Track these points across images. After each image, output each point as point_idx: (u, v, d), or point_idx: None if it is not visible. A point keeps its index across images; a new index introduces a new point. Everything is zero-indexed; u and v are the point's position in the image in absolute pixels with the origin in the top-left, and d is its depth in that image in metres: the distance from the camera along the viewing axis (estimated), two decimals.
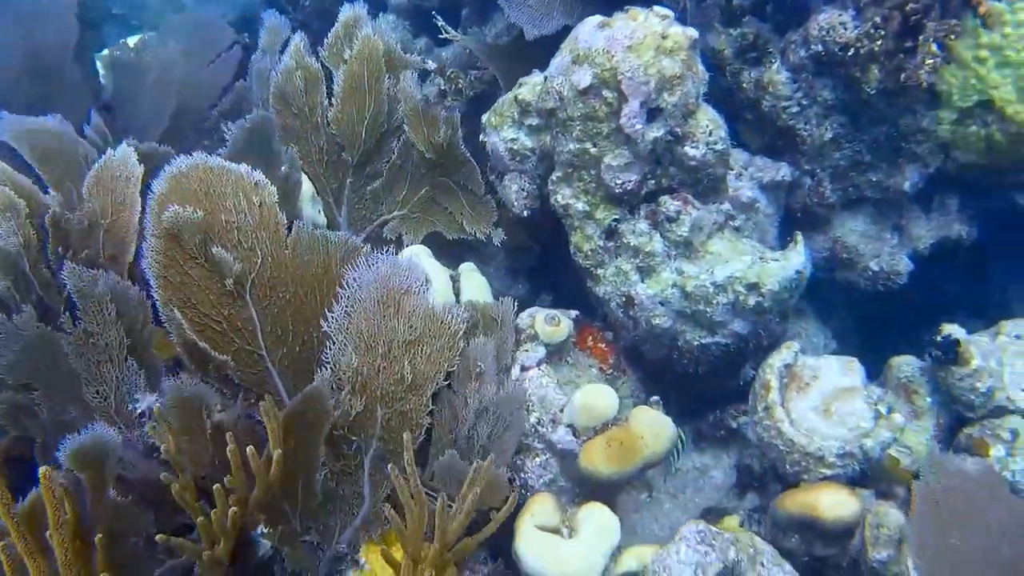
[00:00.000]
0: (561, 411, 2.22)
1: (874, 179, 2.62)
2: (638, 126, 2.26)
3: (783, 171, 2.60)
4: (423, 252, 2.50)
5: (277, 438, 1.79)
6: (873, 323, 2.83)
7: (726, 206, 2.44)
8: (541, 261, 2.74)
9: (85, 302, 1.94)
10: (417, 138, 2.49)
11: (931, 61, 2.32)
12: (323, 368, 2.02)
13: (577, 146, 2.35)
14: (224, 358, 2.00)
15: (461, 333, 2.09)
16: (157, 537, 1.64)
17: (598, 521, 2.14)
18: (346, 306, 2.05)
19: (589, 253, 2.40)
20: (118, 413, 1.93)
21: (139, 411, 1.91)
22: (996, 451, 2.22)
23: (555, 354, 2.35)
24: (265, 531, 1.89)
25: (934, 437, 2.31)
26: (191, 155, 2.04)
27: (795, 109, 2.58)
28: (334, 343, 2.05)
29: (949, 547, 1.82)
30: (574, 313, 2.42)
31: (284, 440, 1.86)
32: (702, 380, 2.46)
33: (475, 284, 2.47)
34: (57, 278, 2.04)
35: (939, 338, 2.19)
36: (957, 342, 2.15)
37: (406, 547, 1.75)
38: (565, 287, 2.68)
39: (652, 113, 2.29)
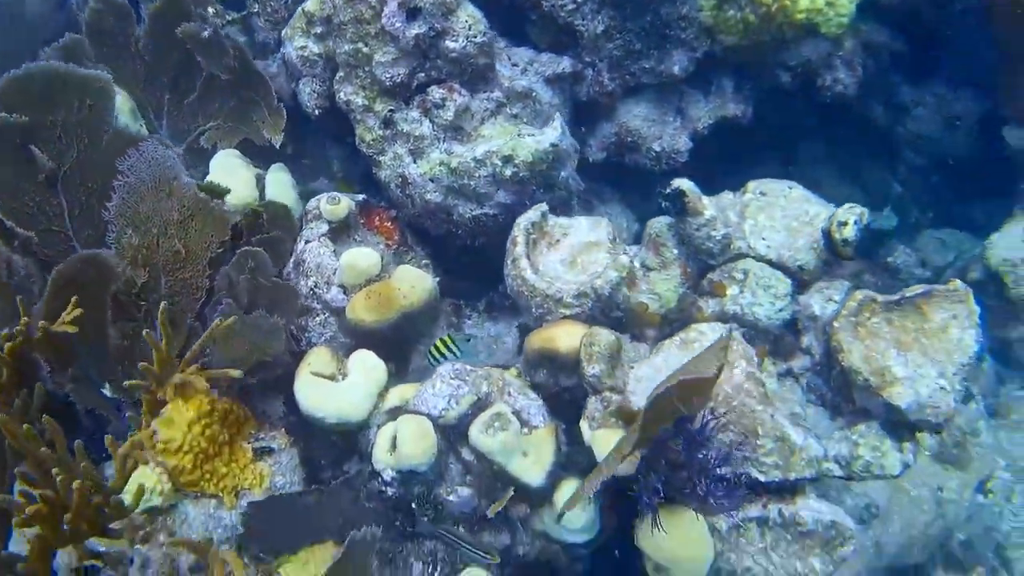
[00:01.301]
0: (334, 274, 2.55)
1: (647, 66, 2.92)
2: (398, 24, 2.59)
3: (563, 64, 2.91)
4: (232, 154, 2.85)
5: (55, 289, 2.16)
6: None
7: (496, 94, 2.76)
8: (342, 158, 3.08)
9: None
10: (212, 65, 2.84)
11: None
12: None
13: (351, 47, 2.69)
14: (29, 234, 2.37)
15: (228, 214, 2.44)
16: None
17: (365, 364, 2.48)
18: (123, 192, 2.40)
19: (371, 142, 2.74)
20: None
21: None
22: (732, 290, 2.51)
23: (341, 232, 2.69)
24: (50, 371, 2.23)
25: (681, 284, 2.59)
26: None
27: (571, 6, 2.87)
28: (116, 225, 2.40)
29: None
30: (361, 196, 2.77)
31: (65, 294, 2.21)
32: (484, 253, 2.76)
33: (279, 182, 2.82)
34: None
35: (668, 190, 2.47)
36: (682, 192, 2.44)
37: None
38: (359, 176, 3.00)
39: (413, 12, 2.61)
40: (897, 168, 3.49)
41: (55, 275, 2.24)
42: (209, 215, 2.44)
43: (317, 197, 2.73)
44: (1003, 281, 2.90)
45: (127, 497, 2.10)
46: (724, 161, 3.00)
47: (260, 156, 2.94)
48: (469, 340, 2.49)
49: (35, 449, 1.92)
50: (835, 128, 3.35)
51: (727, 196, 2.62)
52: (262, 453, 2.52)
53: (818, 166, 3.39)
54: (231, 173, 2.74)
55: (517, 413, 2.37)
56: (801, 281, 2.52)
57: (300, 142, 3.05)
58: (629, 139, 2.99)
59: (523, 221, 2.54)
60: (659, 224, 2.64)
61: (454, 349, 2.40)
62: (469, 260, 2.84)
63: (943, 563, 3.07)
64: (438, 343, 2.39)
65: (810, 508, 2.29)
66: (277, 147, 2.87)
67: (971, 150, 3.29)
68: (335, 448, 2.60)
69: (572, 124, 2.98)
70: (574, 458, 2.42)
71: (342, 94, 2.76)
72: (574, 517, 2.35)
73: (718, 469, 2.15)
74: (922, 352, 2.27)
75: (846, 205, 2.43)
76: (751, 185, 2.65)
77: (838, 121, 3.26)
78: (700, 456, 2.13)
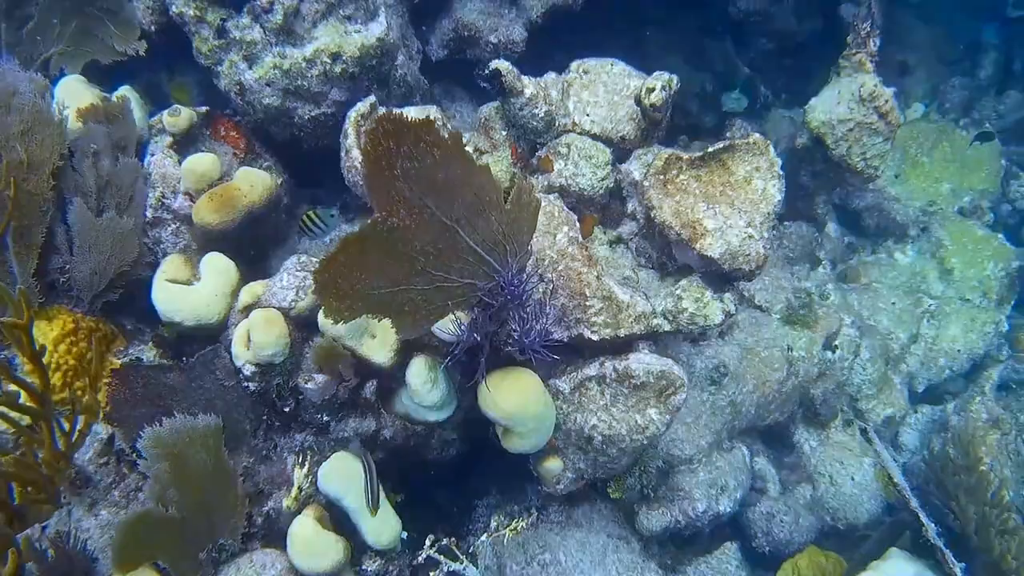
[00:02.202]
0: (179, 183, 2.64)
1: None
2: None
3: None
4: (75, 78, 2.91)
5: None
6: None
7: None
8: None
9: None
10: None
11: None
12: None
13: None
14: None
15: (65, 123, 2.51)
16: None
17: (215, 266, 2.61)
18: None
19: (208, 53, 2.83)
20: None
21: None
22: (558, 164, 2.66)
23: (186, 144, 2.78)
24: None
25: (513, 164, 2.73)
26: None
27: None
28: None
29: None
30: (204, 108, 2.85)
31: None
32: (332, 157, 2.87)
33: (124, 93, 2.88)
34: None
35: (486, 71, 2.59)
36: (498, 71, 2.57)
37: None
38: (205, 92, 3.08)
39: None
40: (746, 50, 3.66)
41: None
42: (49, 125, 2.52)
43: (162, 112, 2.80)
44: (825, 143, 3.08)
45: None
46: (564, 51, 3.13)
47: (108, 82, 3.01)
48: (333, 215, 2.63)
49: None
50: (681, 16, 3.50)
51: (550, 76, 2.77)
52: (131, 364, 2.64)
53: (668, 54, 3.54)
54: (75, 96, 2.80)
55: None
56: (624, 151, 2.68)
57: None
58: (467, 33, 3.11)
59: (353, 113, 2.66)
60: (488, 108, 2.78)
61: (319, 222, 2.54)
62: (319, 165, 2.94)
63: (803, 420, 3.32)
64: (305, 216, 2.53)
65: (640, 361, 2.49)
66: (137, 54, 2.93)
67: (805, 21, 3.46)
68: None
69: (413, 24, 3.09)
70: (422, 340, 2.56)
71: (174, 7, 2.83)
72: (427, 394, 2.50)
73: (546, 327, 2.31)
74: (729, 204, 2.46)
75: (656, 73, 2.58)
76: (574, 65, 2.80)
77: (682, 8, 3.41)
78: (523, 313, 2.29)
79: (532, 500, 2.96)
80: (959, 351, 3.56)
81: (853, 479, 3.27)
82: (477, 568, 2.78)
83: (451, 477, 2.93)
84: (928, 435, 3.46)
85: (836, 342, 3.26)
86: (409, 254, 2.09)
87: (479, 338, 2.23)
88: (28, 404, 2.15)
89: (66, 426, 2.31)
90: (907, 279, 3.64)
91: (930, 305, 3.61)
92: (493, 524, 2.66)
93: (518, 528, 2.62)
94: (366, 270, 2.07)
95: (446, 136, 1.97)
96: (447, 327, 2.27)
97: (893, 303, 3.56)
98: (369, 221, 2.03)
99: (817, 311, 3.23)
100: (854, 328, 3.30)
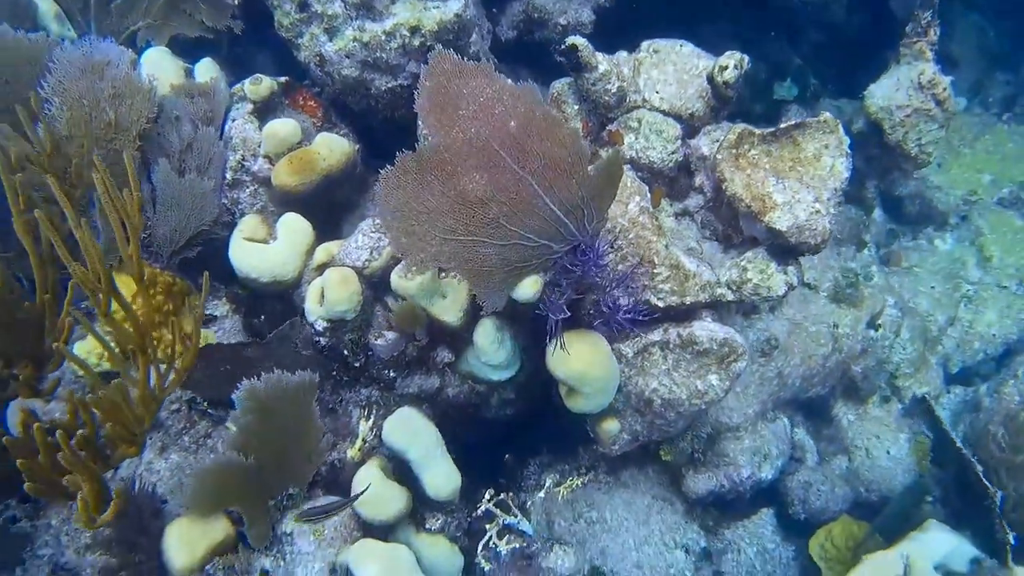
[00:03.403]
0: (259, 146, 2.55)
1: None
2: None
3: None
4: (160, 50, 2.82)
5: None
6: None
7: None
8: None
9: None
10: None
11: None
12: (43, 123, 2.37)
13: None
14: None
15: (153, 91, 2.44)
16: None
17: (292, 226, 2.52)
18: (57, 75, 2.39)
19: (289, 26, 2.73)
20: None
21: None
22: (628, 138, 2.55)
23: (266, 112, 2.68)
24: None
25: (584, 137, 2.62)
26: None
27: None
28: (52, 104, 2.38)
29: None
30: (284, 78, 2.76)
31: None
32: (406, 124, 2.77)
33: (208, 73, 2.79)
34: None
35: (562, 46, 2.48)
36: (575, 46, 2.45)
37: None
38: (282, 64, 2.99)
39: None
40: (798, 43, 3.53)
41: None
42: (137, 92, 2.45)
43: (243, 80, 2.71)
44: (882, 128, 2.96)
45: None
46: (629, 35, 3.01)
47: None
48: None
49: None
50: (738, 6, 3.37)
51: (622, 54, 2.65)
52: (206, 320, 2.57)
53: (723, 42, 3.40)
54: (159, 67, 2.71)
55: None
56: (693, 128, 2.57)
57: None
58: (536, 15, 3.00)
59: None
60: (560, 84, 2.67)
61: None
62: (393, 137, 2.84)
63: (843, 394, 3.21)
64: None
65: (704, 328, 2.38)
66: (227, 29, 2.85)
67: (857, 14, 3.33)
68: (274, 315, 2.64)
69: (485, 5, 2.98)
70: None
71: None
72: (493, 353, 2.42)
73: (617, 290, 2.21)
74: (798, 179, 2.34)
75: (728, 52, 2.46)
76: (644, 44, 2.68)
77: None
78: (599, 278, 2.19)
79: (583, 461, 2.87)
80: (994, 335, 3.42)
81: (888, 452, 3.15)
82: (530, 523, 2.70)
83: (506, 436, 2.84)
84: (959, 415, 3.33)
85: (879, 321, 3.13)
86: (477, 196, 1.99)
87: (560, 302, 2.13)
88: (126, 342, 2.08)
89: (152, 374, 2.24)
90: (946, 265, 3.51)
91: (968, 290, 3.47)
92: (548, 482, 2.57)
93: (573, 486, 2.53)
94: (431, 202, 1.98)
95: (517, 85, 1.90)
96: (526, 291, 2.17)
97: (932, 287, 3.43)
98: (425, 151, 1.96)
99: (863, 291, 3.10)
100: (896, 308, 3.17)
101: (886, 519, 2.99)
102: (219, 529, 2.12)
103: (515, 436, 2.87)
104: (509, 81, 1.98)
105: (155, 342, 2.44)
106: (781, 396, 3.00)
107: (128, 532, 2.08)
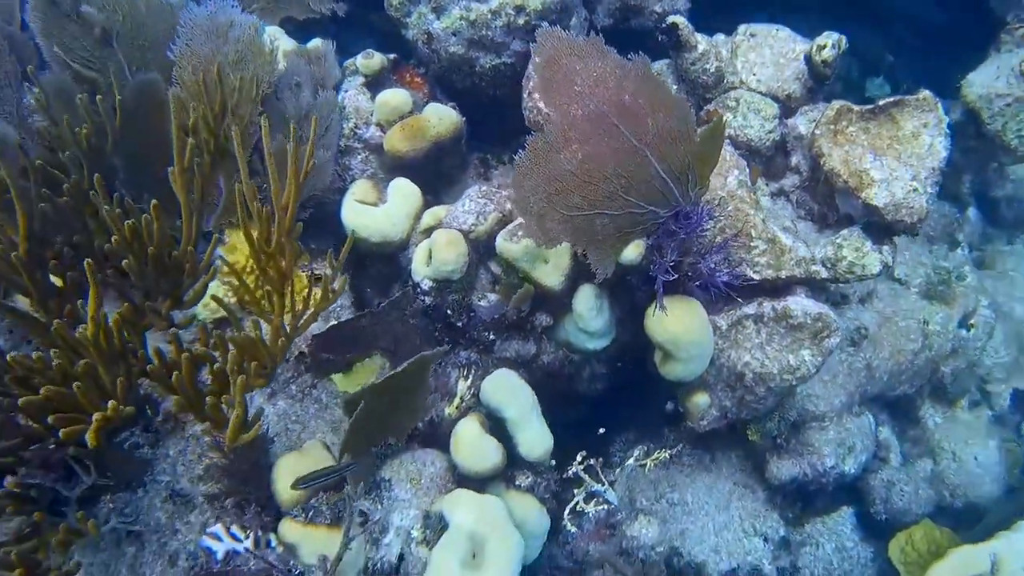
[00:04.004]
0: (371, 115, 2.81)
1: None
2: None
3: None
4: (277, 29, 3.12)
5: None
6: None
7: None
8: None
9: None
10: None
11: None
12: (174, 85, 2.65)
13: None
14: (93, 75, 2.65)
15: (276, 53, 2.70)
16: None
17: (402, 190, 2.76)
18: (185, 38, 2.67)
19: (398, 6, 3.00)
20: (18, 116, 2.59)
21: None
22: (726, 117, 2.74)
23: (374, 85, 2.94)
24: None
25: None
26: None
27: None
28: (179, 67, 2.67)
29: None
30: (392, 55, 3.02)
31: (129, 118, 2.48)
32: (505, 110, 3.00)
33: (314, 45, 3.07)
34: None
35: (664, 25, 2.70)
36: (675, 25, 2.67)
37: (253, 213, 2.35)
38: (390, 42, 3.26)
39: None
40: (890, 39, 3.69)
41: (124, 95, 2.52)
42: (260, 55, 2.71)
43: (355, 55, 2.99)
44: (980, 118, 3.08)
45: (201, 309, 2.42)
46: (722, 22, 3.21)
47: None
48: None
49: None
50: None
51: (719, 37, 2.86)
52: (315, 279, 2.80)
53: (813, 35, 3.59)
54: (281, 39, 3.00)
55: None
56: (789, 108, 2.75)
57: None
58: (632, 2, 3.20)
59: (538, 59, 2.77)
60: (658, 65, 2.88)
61: None
62: (494, 116, 3.08)
63: (930, 395, 3.30)
64: None
65: (799, 303, 2.53)
66: (331, 13, 3.14)
67: (952, 11, 3.48)
68: (380, 277, 2.88)
69: None
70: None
71: None
72: (592, 319, 2.60)
73: (716, 256, 2.39)
74: (896, 157, 2.49)
75: (826, 32, 2.64)
76: (741, 28, 2.88)
77: None
78: (699, 244, 2.37)
79: (668, 441, 3.01)
80: None
81: (976, 459, 3.22)
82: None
83: (594, 415, 3.00)
84: None
85: (972, 321, 3.23)
86: (603, 174, 2.18)
87: (666, 263, 2.31)
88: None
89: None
90: None
91: None
92: (636, 452, 2.72)
93: (660, 458, 2.67)
94: (562, 188, 2.18)
95: (628, 59, 2.09)
96: (629, 254, 2.36)
97: None
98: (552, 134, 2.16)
99: (955, 289, 3.21)
100: (990, 310, 3.27)
101: (981, 531, 3.03)
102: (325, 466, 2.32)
103: (602, 415, 3.02)
104: (618, 55, 2.17)
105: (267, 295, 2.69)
106: (868, 390, 3.11)
107: (240, 465, 2.29)
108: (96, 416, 1.82)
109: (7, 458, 1.95)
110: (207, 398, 2.03)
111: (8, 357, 1.87)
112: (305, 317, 2.23)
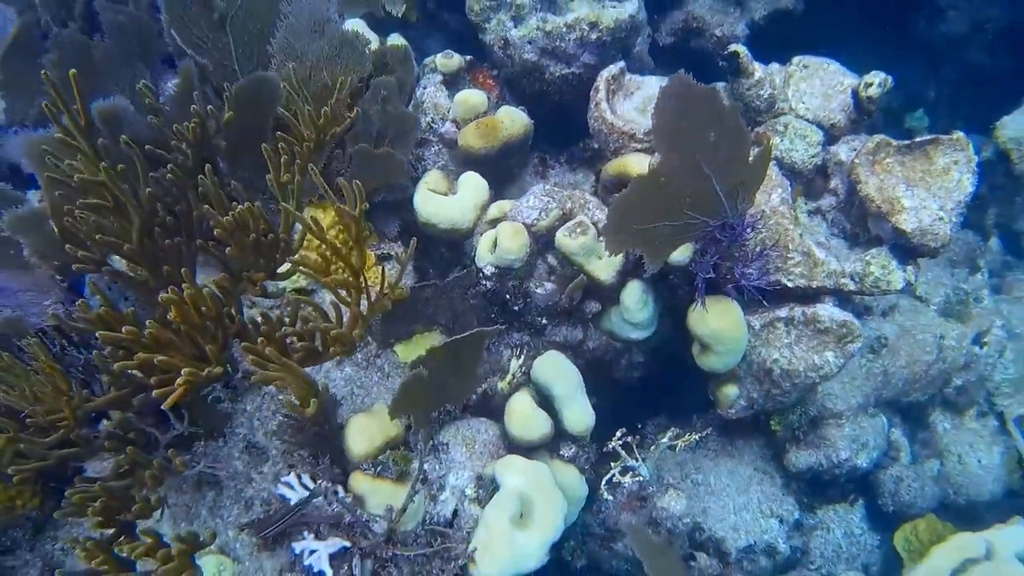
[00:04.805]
0: (448, 111, 3.29)
1: None
2: None
3: None
4: (356, 22, 3.58)
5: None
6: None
7: None
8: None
9: (114, 29, 3.07)
10: None
11: None
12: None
13: None
14: (204, 61, 3.12)
15: (368, 52, 3.16)
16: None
17: (471, 183, 3.22)
18: (285, 31, 3.13)
19: (479, 11, 3.46)
20: (132, 93, 3.06)
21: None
22: (774, 140, 3.20)
23: (451, 83, 3.42)
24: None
25: None
26: None
27: None
28: (277, 58, 3.14)
29: None
30: (469, 56, 3.49)
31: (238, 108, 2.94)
32: (568, 114, 3.47)
33: (397, 41, 3.54)
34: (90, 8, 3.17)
35: (726, 52, 3.17)
36: (736, 54, 3.13)
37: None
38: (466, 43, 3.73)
39: None
40: (933, 75, 4.15)
41: (237, 91, 2.98)
42: (353, 52, 3.17)
43: (434, 55, 3.46)
44: (1009, 158, 3.55)
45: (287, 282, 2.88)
46: (777, 50, 3.67)
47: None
48: None
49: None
50: (880, 30, 4.01)
51: (774, 66, 3.31)
52: (382, 258, 3.28)
53: (861, 66, 4.05)
54: (367, 33, 3.46)
55: (595, 224, 3.08)
56: (832, 137, 3.21)
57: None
58: (695, 24, 3.67)
59: (605, 73, 3.24)
60: (717, 87, 3.33)
61: None
62: (555, 121, 3.55)
63: (941, 405, 3.79)
64: None
65: (827, 309, 3.01)
66: (406, 21, 3.60)
67: (998, 57, 3.93)
68: (443, 261, 3.36)
69: (648, 11, 3.67)
70: (639, 263, 3.13)
71: None
72: (638, 312, 3.08)
73: (754, 264, 2.87)
74: (927, 189, 2.96)
75: (873, 71, 3.11)
76: (795, 59, 3.33)
77: (883, 22, 3.92)
78: (740, 252, 2.85)
79: (696, 427, 3.50)
80: None
81: (980, 461, 3.72)
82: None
83: (629, 397, 3.50)
84: None
85: (985, 339, 3.71)
86: (676, 197, 2.65)
87: (708, 262, 2.80)
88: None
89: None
90: None
91: None
92: (669, 434, 3.20)
93: (690, 440, 3.16)
94: (641, 210, 2.65)
95: (727, 105, 2.55)
96: (678, 256, 2.85)
97: None
98: (651, 169, 2.62)
99: (972, 310, 3.69)
100: (1003, 331, 3.75)
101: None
102: (392, 426, 2.72)
103: (636, 402, 3.51)
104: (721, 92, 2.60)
105: (340, 271, 3.16)
106: (884, 394, 3.59)
107: (313, 424, 2.71)
108: (186, 372, 2.14)
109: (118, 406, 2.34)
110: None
111: (99, 334, 2.16)
112: (376, 302, 2.61)
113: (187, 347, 2.26)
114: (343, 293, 2.50)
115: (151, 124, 2.65)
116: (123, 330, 2.15)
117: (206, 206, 2.51)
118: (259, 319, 2.33)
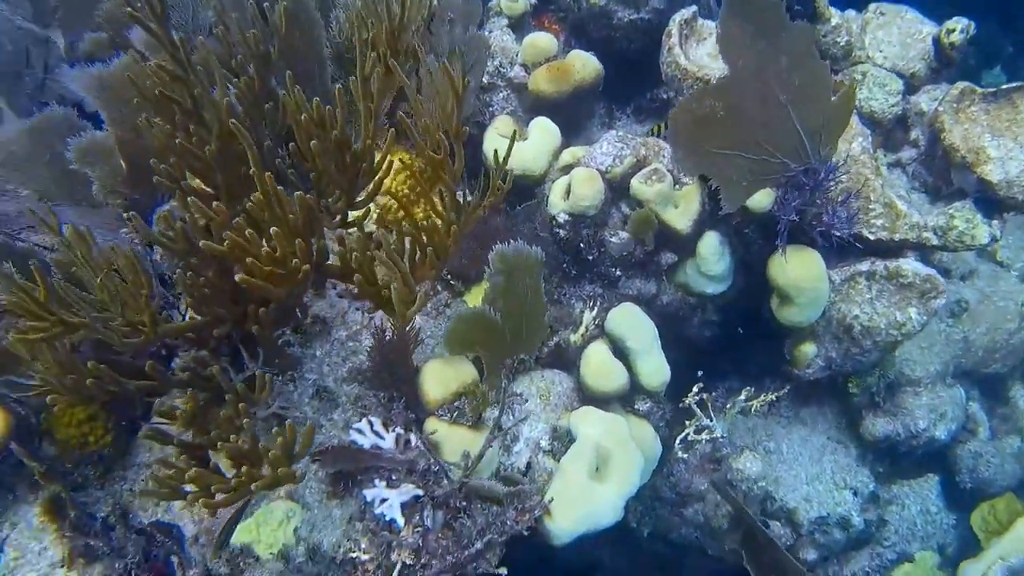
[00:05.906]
0: (516, 55, 3.59)
1: None
2: None
3: None
4: None
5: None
6: None
7: None
8: None
9: None
10: None
11: None
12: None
13: None
14: None
15: None
16: None
17: (544, 128, 3.55)
18: None
19: None
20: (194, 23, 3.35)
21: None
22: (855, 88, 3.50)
23: (515, 28, 3.73)
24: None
25: None
26: None
27: None
28: None
29: None
30: (534, 0, 3.79)
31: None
32: (636, 63, 3.77)
33: None
34: None
35: None
36: None
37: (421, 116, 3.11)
38: None
39: None
40: (1012, 32, 4.45)
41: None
42: None
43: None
44: None
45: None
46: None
47: None
48: None
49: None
50: None
51: (850, 12, 3.65)
52: None
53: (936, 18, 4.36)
54: None
55: (670, 171, 3.37)
56: (912, 86, 3.52)
57: None
58: None
59: (678, 16, 3.57)
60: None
61: None
62: (623, 69, 3.85)
63: (1021, 376, 4.07)
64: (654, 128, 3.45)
65: (910, 263, 3.32)
66: None
67: None
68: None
69: None
70: (715, 214, 3.42)
71: None
72: (714, 264, 3.36)
73: (840, 210, 3.16)
74: (1013, 139, 3.26)
75: (955, 17, 3.42)
76: (871, 6, 3.67)
77: None
78: (822, 199, 3.14)
79: (768, 391, 3.77)
80: None
81: None
82: None
83: (700, 356, 3.76)
84: None
85: None
86: (749, 125, 2.95)
87: (793, 205, 3.09)
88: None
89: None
90: None
91: None
92: (744, 394, 3.48)
93: (766, 400, 3.43)
94: (712, 129, 2.94)
95: (791, 26, 2.85)
96: (761, 201, 3.13)
97: None
98: (718, 82, 2.92)
99: None
100: None
101: None
102: (467, 372, 2.98)
103: (708, 361, 3.78)
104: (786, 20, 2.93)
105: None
106: (963, 363, 3.89)
107: (386, 366, 2.95)
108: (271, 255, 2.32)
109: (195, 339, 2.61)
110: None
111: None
112: (473, 206, 2.82)
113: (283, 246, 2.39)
114: (436, 202, 2.72)
115: (216, 33, 2.85)
116: (202, 242, 2.35)
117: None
118: (350, 234, 2.57)
